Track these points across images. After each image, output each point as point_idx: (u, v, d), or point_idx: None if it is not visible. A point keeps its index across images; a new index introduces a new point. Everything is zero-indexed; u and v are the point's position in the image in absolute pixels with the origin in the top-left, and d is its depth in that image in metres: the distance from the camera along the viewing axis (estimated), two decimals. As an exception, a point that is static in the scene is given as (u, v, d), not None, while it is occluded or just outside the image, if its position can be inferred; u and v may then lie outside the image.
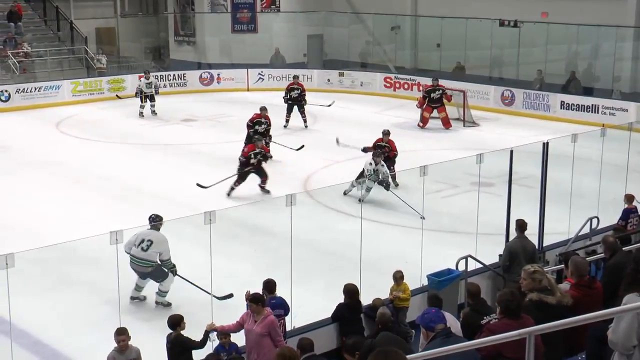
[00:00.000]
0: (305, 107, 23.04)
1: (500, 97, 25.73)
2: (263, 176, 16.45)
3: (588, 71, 26.32)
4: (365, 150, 16.83)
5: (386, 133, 17.08)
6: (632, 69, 25.62)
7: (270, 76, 29.92)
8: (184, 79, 29.84)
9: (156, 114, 24.94)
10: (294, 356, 7.45)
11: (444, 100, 23.25)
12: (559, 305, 7.04)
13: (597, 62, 26.30)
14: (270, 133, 19.13)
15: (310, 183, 17.33)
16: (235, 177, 16.30)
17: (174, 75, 29.90)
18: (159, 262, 11.02)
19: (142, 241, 10.91)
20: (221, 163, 18.31)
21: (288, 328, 9.67)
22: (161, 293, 11.32)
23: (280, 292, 9.67)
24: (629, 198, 13.29)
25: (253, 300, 8.83)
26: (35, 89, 27.03)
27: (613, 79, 25.55)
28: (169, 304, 11.22)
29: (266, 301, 9.43)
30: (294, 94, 22.93)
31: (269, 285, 9.57)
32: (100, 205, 15.74)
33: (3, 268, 7.58)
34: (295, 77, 24.30)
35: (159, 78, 29.16)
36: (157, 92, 25.20)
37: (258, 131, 18.52)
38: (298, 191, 12.44)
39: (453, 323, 7.77)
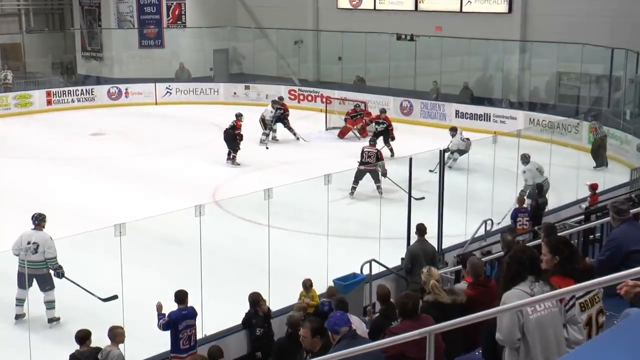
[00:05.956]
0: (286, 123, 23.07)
1: (399, 107, 26.02)
2: None
3: (479, 82, 26.93)
4: None
5: None
6: (519, 79, 26.37)
7: (177, 90, 29.51)
8: (91, 94, 29.05)
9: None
10: (205, 365, 7.41)
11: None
12: (453, 304, 7.22)
13: (488, 73, 27.01)
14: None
15: (219, 194, 17.17)
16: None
17: (81, 90, 29.09)
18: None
19: (29, 243, 10.65)
20: (131, 176, 18.03)
21: (199, 336, 9.57)
22: (49, 304, 10.98)
23: (191, 300, 9.56)
24: (520, 200, 13.73)
25: None
26: (-60, 105, 26.05)
27: (502, 89, 26.33)
28: (58, 319, 11.03)
29: (178, 311, 9.34)
30: (278, 113, 22.85)
31: (180, 296, 9.46)
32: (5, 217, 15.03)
33: None
34: (281, 98, 24.40)
35: (66, 93, 28.47)
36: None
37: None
38: (207, 202, 12.32)
39: (359, 325, 7.83)
